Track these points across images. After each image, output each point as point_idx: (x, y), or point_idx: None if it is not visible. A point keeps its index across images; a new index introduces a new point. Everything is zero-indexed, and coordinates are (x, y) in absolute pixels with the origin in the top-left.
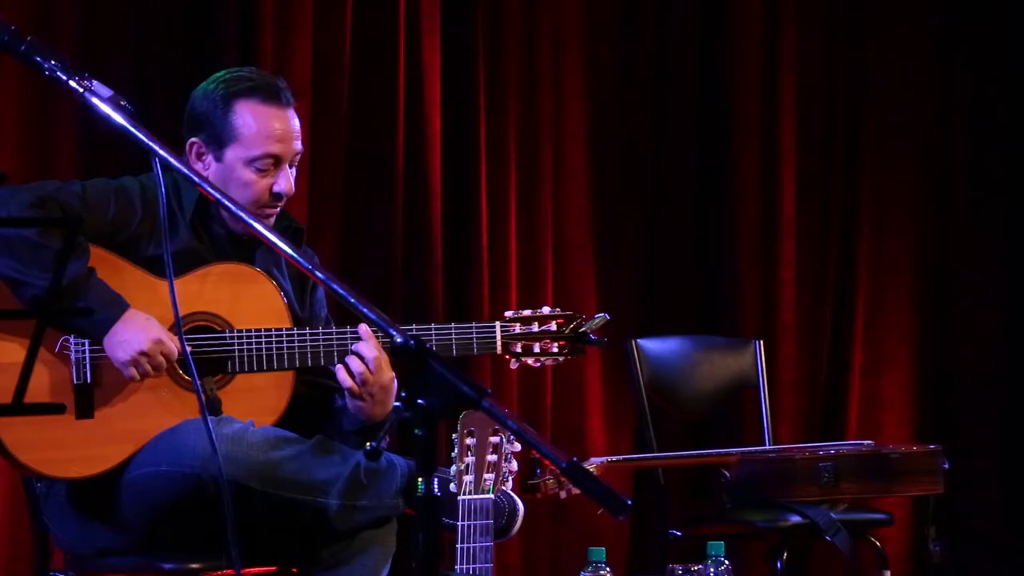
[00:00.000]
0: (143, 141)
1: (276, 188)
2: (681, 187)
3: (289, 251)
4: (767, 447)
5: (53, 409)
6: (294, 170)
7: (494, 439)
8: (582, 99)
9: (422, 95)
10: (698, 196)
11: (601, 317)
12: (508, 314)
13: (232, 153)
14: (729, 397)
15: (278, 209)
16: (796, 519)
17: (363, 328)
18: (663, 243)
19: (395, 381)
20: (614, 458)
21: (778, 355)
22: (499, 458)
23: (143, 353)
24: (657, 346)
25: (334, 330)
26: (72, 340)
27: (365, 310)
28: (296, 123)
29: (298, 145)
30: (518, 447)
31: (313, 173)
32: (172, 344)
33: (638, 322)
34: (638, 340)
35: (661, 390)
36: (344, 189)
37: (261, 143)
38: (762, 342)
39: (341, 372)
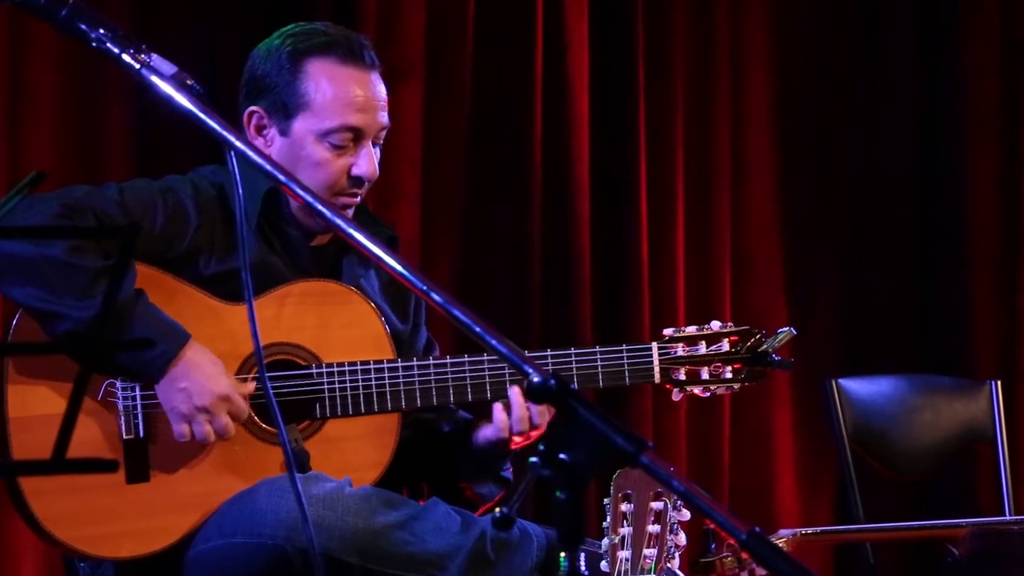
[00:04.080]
0: (214, 129)
1: (356, 170)
2: (894, 186)
3: (396, 265)
4: (1007, 517)
5: (103, 466)
6: (379, 150)
7: (656, 505)
8: (767, 73)
9: (565, 69)
10: (916, 198)
11: (786, 332)
12: (668, 332)
13: (301, 125)
14: (957, 452)
15: (358, 199)
16: None
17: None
18: (871, 258)
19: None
20: (809, 530)
21: (1020, 400)
22: (663, 529)
23: (204, 409)
24: (865, 388)
25: (448, 360)
26: (119, 385)
27: (493, 341)
28: (382, 89)
29: (384, 117)
30: (687, 515)
31: (427, 168)
32: (242, 403)
33: (841, 358)
34: (840, 380)
35: (869, 443)
36: (466, 187)
37: (338, 112)
38: (999, 383)
39: (499, 412)
